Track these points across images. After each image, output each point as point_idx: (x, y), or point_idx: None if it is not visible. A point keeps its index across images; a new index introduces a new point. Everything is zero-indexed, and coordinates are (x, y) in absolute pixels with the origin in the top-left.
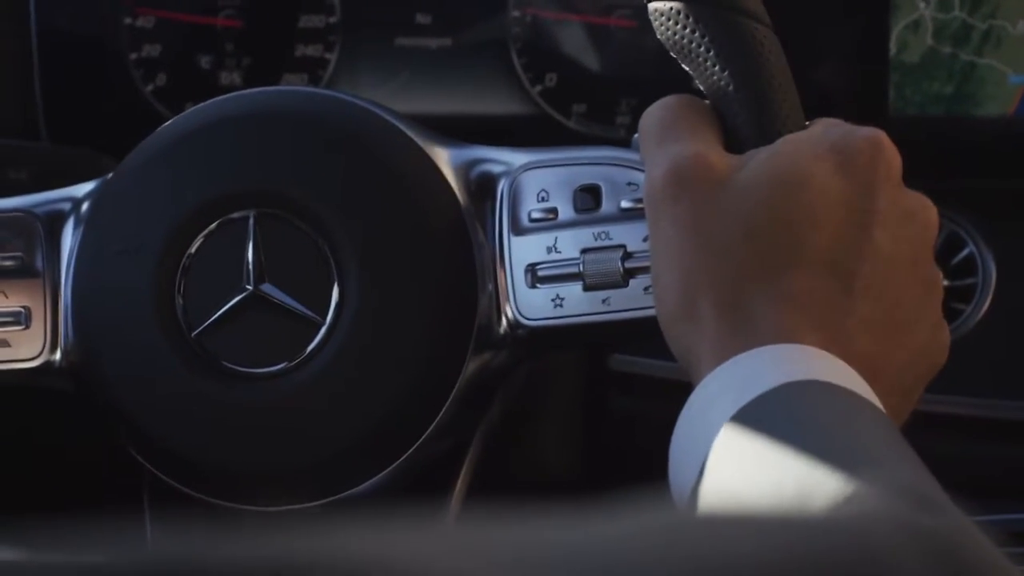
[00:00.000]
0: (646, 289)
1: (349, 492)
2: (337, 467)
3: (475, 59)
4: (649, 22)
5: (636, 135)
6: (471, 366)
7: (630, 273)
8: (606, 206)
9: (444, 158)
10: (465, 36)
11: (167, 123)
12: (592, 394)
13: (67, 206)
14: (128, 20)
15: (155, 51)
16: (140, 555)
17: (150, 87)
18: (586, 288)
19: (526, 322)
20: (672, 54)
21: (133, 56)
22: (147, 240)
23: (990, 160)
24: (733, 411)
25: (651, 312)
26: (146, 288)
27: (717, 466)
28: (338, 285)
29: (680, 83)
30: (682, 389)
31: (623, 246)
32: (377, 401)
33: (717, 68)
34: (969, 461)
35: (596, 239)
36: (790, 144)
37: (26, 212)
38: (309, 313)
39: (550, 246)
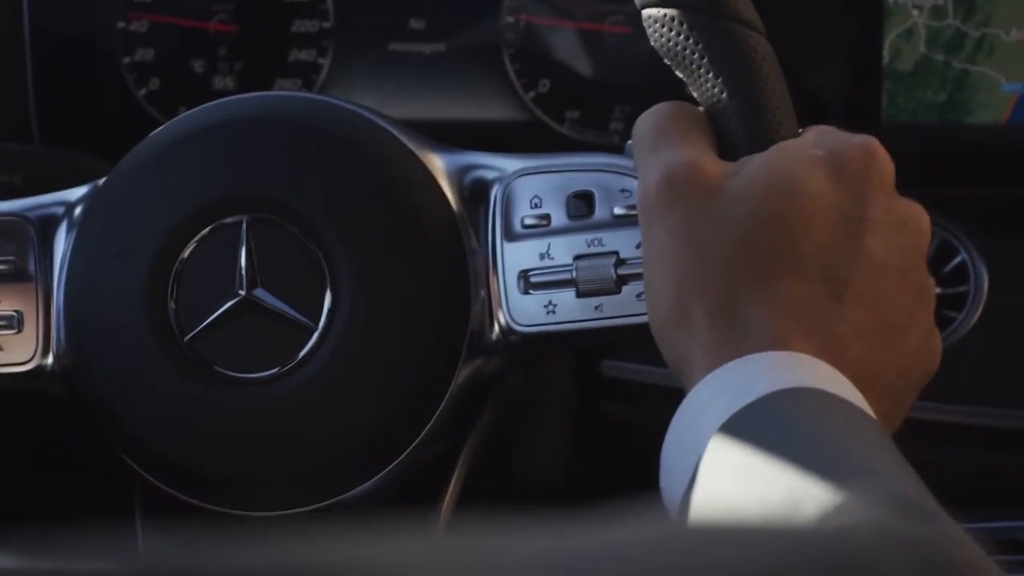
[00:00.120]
0: (639, 296)
1: (341, 497)
2: (329, 472)
3: (468, 65)
4: (643, 28)
5: (629, 142)
6: (463, 372)
7: (623, 280)
8: (599, 212)
9: (437, 164)
10: (458, 42)
11: (160, 128)
12: (584, 400)
13: (60, 210)
14: (121, 24)
15: (148, 55)
16: (131, 563)
17: (143, 91)
18: (579, 295)
19: (519, 328)
20: (666, 61)
21: (126, 60)
22: (140, 244)
23: (983, 168)
24: (725, 418)
25: (644, 319)
26: (138, 292)
27: (708, 474)
28: (330, 291)
29: (674, 89)
30: (674, 395)
31: (616, 253)
32: (369, 406)
33: (711, 75)
34: (960, 469)
35: (589, 245)
36: (783, 151)
37: (19, 216)
38: (301, 318)
39: (543, 252)
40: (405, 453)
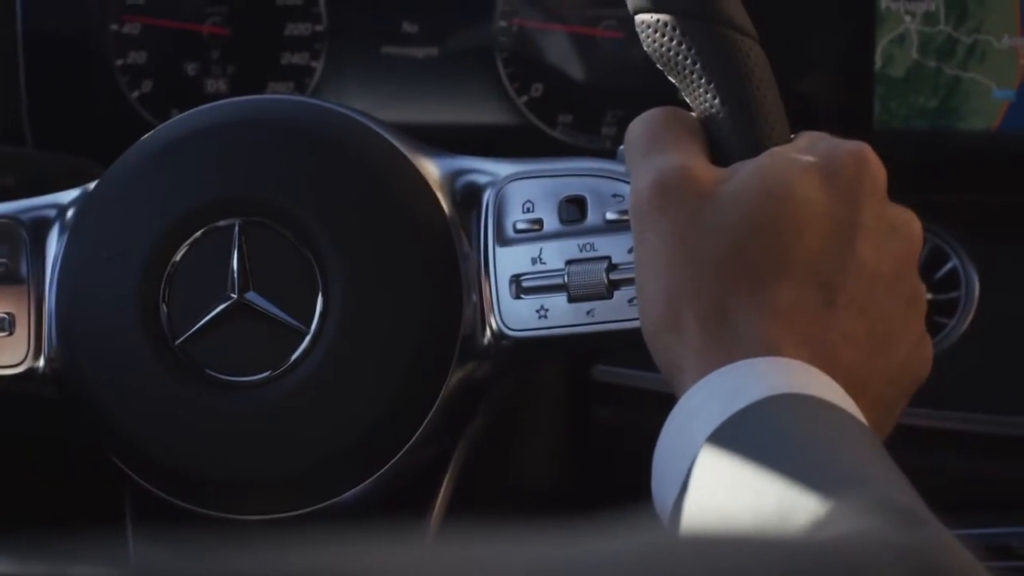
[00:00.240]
0: (631, 301)
1: (332, 501)
2: (321, 476)
3: (461, 69)
4: (635, 33)
5: (622, 147)
6: (455, 376)
7: (615, 285)
8: (591, 217)
9: (430, 168)
10: (451, 45)
11: (152, 131)
12: (576, 404)
13: (52, 213)
14: (114, 27)
15: (141, 58)
16: (122, 569)
17: (136, 94)
18: (571, 299)
19: (510, 333)
20: (658, 66)
21: (119, 63)
22: (132, 247)
23: (974, 174)
24: (716, 424)
25: (635, 324)
26: (130, 295)
27: (699, 480)
28: (322, 294)
29: (666, 95)
30: (666, 400)
31: (608, 257)
32: (361, 410)
33: (703, 80)
34: (952, 475)
35: (581, 250)
36: (775, 157)
37: (11, 218)
38: (293, 322)
39: (535, 257)
40: (397, 457)
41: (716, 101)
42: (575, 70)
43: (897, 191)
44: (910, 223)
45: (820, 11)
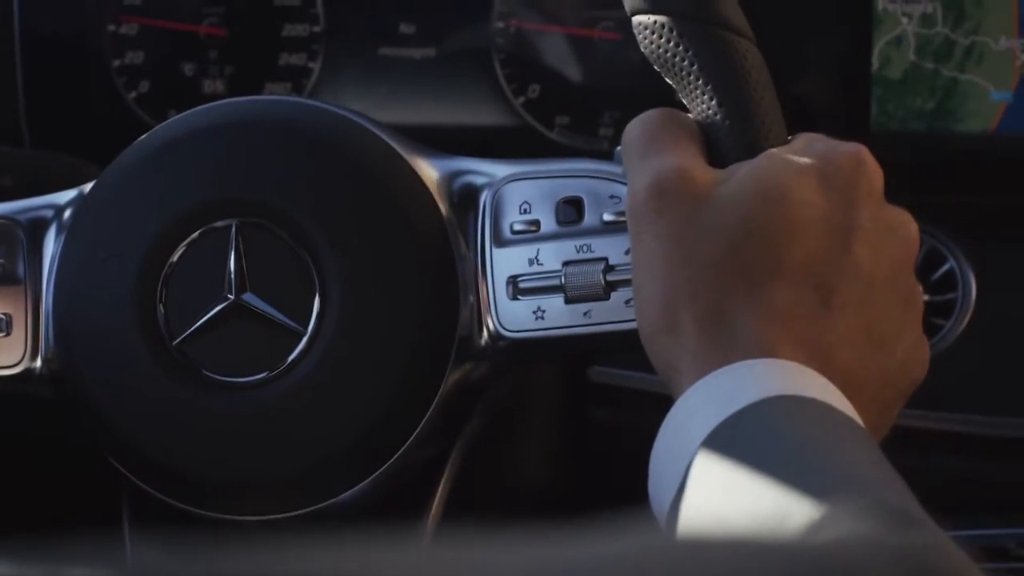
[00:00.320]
0: (628, 302)
1: (329, 502)
2: (317, 477)
3: (458, 70)
4: (633, 35)
5: (619, 148)
6: (452, 377)
7: (612, 286)
8: (588, 219)
9: (427, 169)
10: (448, 46)
11: (149, 132)
12: (573, 406)
13: (49, 213)
14: (111, 27)
15: (138, 58)
16: (119, 570)
17: (133, 94)
18: (568, 300)
19: (507, 334)
20: (655, 67)
21: (116, 63)
22: (129, 248)
23: (971, 176)
24: (713, 426)
25: (632, 325)
26: (127, 296)
27: (696, 482)
28: (319, 295)
29: (663, 96)
30: (662, 401)
31: (605, 259)
32: (358, 411)
33: (700, 82)
34: (948, 476)
35: (578, 252)
36: (772, 158)
37: (8, 219)
38: (290, 323)
39: (532, 258)
40: (394, 458)
41: (713, 103)
42: (572, 71)
43: (894, 193)
44: (907, 225)
45: (817, 13)
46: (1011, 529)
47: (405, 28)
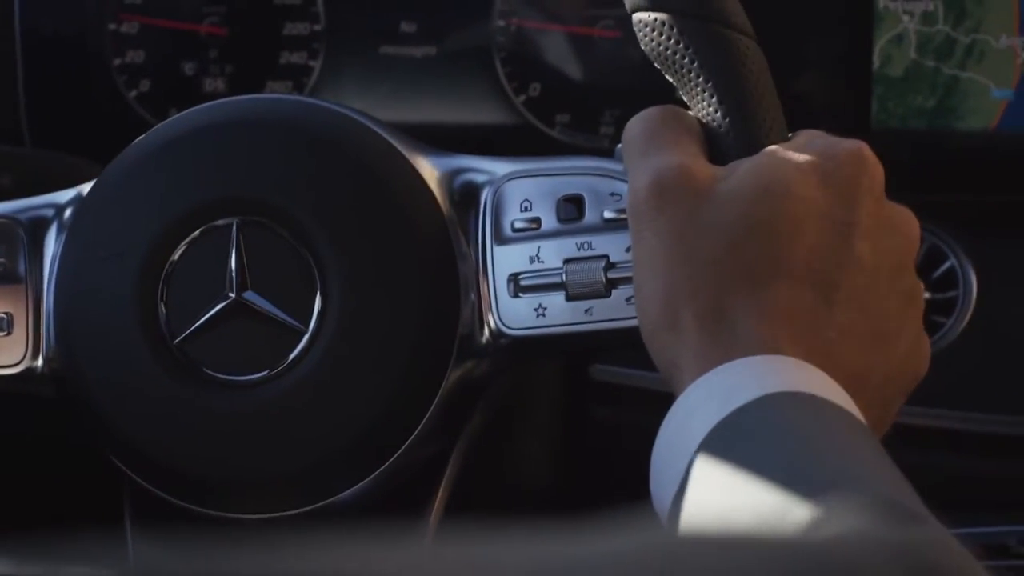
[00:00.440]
0: (628, 300)
1: (331, 500)
2: (319, 475)
3: (459, 68)
4: (633, 33)
5: (619, 145)
6: (453, 375)
7: (613, 283)
8: (589, 216)
9: (427, 167)
10: (449, 45)
11: (150, 130)
12: (574, 404)
13: (50, 212)
14: (112, 26)
15: (139, 57)
16: (121, 568)
17: (134, 93)
18: (569, 298)
19: (508, 331)
20: (656, 65)
21: (117, 62)
22: (130, 247)
23: (972, 174)
24: (714, 423)
25: (633, 322)
26: (128, 295)
27: (697, 479)
28: (320, 293)
29: (664, 94)
30: (664, 399)
31: (606, 256)
32: (359, 409)
33: (701, 79)
34: (949, 474)
35: (579, 249)
36: (773, 155)
37: (8, 218)
38: (291, 321)
39: (533, 256)
40: (395, 456)
41: (714, 100)
42: (573, 70)
43: (895, 191)
44: (908, 221)
45: (818, 11)
46: (1011, 526)
47: (406, 27)
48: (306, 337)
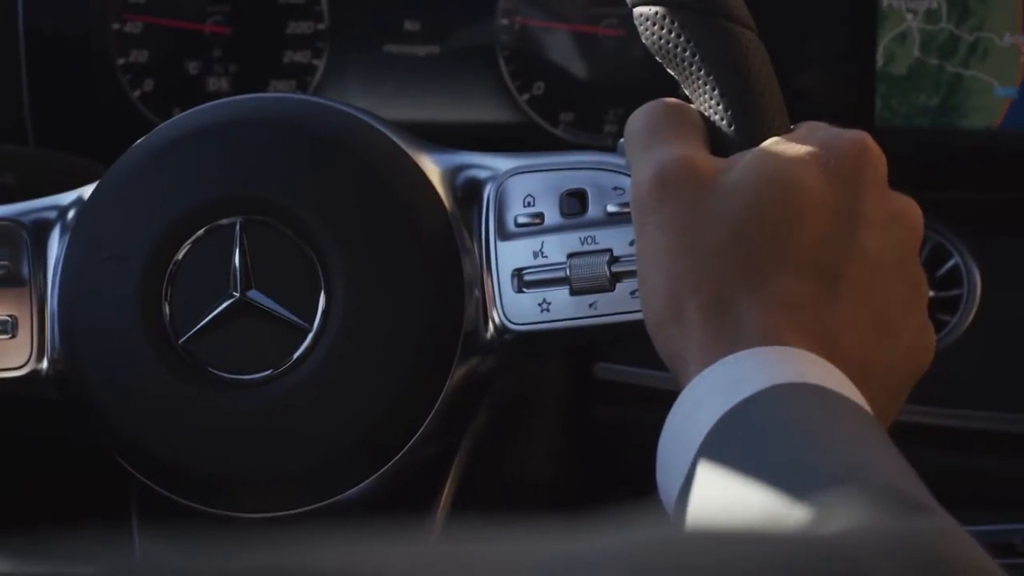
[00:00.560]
0: (633, 293)
1: (336, 499)
2: (324, 473)
3: (463, 67)
4: (637, 31)
5: (622, 140)
6: (458, 372)
7: (617, 277)
8: (592, 210)
9: (430, 164)
10: (453, 44)
11: (153, 131)
12: (578, 403)
13: (53, 214)
14: (116, 25)
15: (143, 56)
16: (128, 566)
17: (137, 92)
18: (573, 292)
19: (513, 327)
20: (657, 59)
21: (120, 61)
22: (133, 247)
23: (976, 172)
24: (719, 414)
25: (638, 316)
26: (132, 295)
27: (703, 470)
28: (324, 292)
29: (668, 92)
30: (668, 398)
31: (609, 250)
32: (364, 407)
33: (702, 72)
34: (954, 472)
35: (582, 243)
36: (775, 146)
37: (11, 221)
38: (296, 319)
39: (536, 251)
40: (400, 454)
41: (716, 93)
42: (577, 68)
43: (898, 188)
44: (911, 211)
45: (822, 9)
46: (1017, 524)
47: (410, 25)
48: (310, 336)
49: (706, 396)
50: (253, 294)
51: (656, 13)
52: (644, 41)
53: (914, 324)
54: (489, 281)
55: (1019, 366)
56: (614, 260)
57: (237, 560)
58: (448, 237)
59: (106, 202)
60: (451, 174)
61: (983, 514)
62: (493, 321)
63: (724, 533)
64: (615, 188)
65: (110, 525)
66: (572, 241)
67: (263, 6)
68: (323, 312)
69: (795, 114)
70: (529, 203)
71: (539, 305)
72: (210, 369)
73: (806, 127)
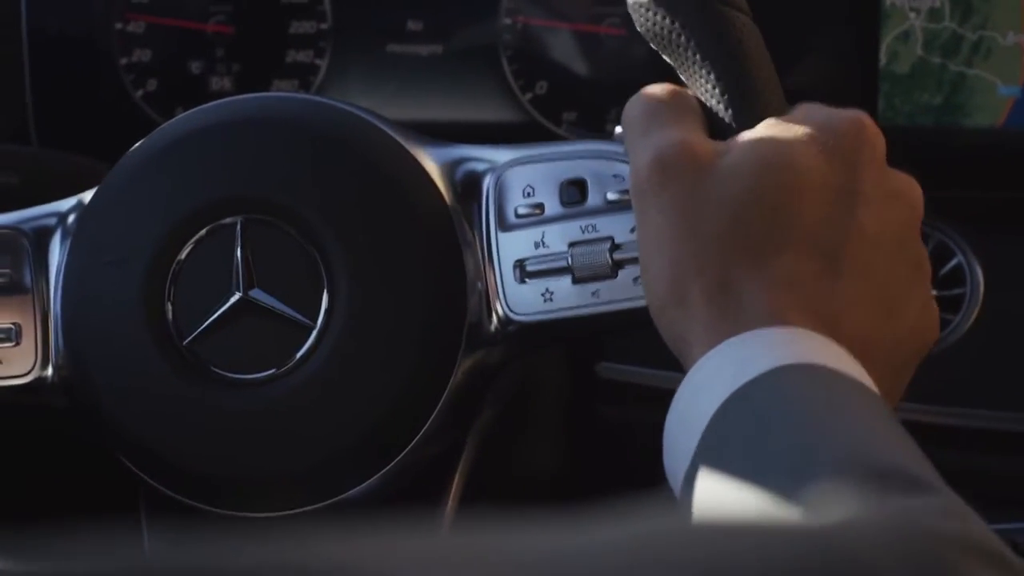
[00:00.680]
0: (635, 280)
1: (343, 496)
2: (331, 471)
3: (466, 66)
4: (639, 31)
5: (619, 128)
6: (463, 365)
7: (619, 264)
8: (592, 199)
9: (429, 158)
10: (456, 43)
11: (153, 132)
12: (580, 403)
13: (53, 221)
14: (119, 25)
15: (146, 56)
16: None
17: (140, 92)
18: (575, 281)
19: (516, 318)
20: (653, 46)
21: (124, 61)
22: (136, 248)
23: (979, 171)
24: (725, 396)
25: (641, 302)
26: (136, 297)
27: (709, 452)
28: (327, 289)
29: None
30: (670, 397)
31: (611, 238)
32: (369, 404)
33: (698, 57)
34: (957, 471)
35: (583, 232)
36: (773, 128)
37: (12, 229)
38: (299, 317)
39: (538, 241)
40: (407, 450)
41: (711, 77)
42: (579, 67)
43: None
44: (911, 189)
45: (825, 8)
46: (1019, 524)
47: (412, 25)
48: (314, 334)
49: (711, 378)
50: (256, 293)
51: (650, 0)
52: (639, 29)
53: (917, 301)
54: (491, 273)
55: (1022, 365)
56: (615, 247)
57: (247, 558)
58: (449, 231)
59: (107, 206)
60: (450, 168)
61: (985, 513)
62: (496, 313)
63: (724, 526)
64: (614, 176)
65: (119, 524)
66: (573, 230)
67: (266, 6)
68: (326, 310)
69: None
70: (529, 194)
71: (542, 295)
72: (214, 369)
73: (803, 109)
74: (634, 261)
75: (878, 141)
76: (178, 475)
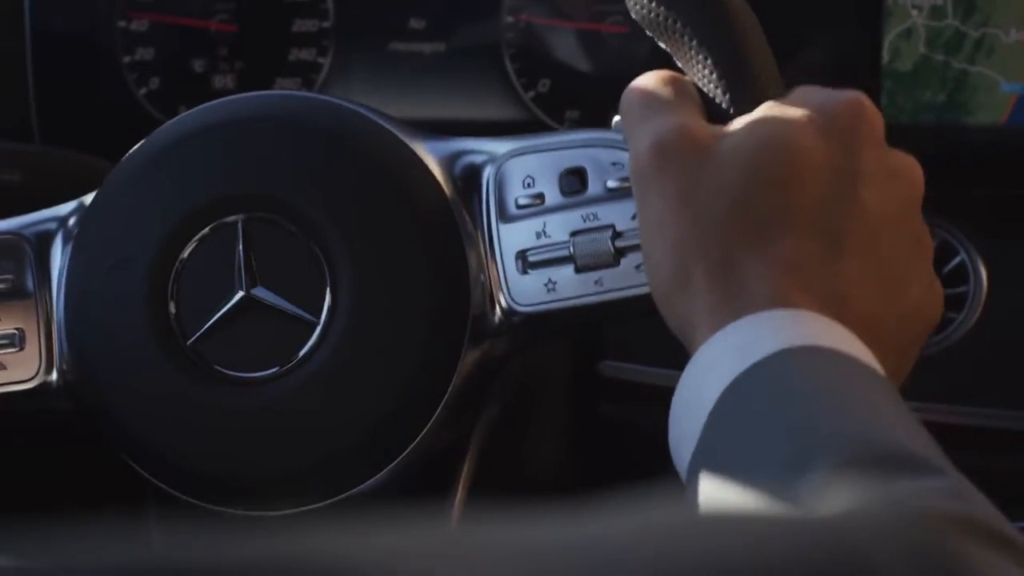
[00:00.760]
0: (638, 267)
1: (349, 493)
2: (337, 468)
3: (468, 65)
4: (641, 29)
5: (617, 117)
6: (468, 359)
7: (621, 252)
8: (592, 187)
9: (428, 152)
10: (458, 41)
11: (154, 132)
12: (582, 401)
13: (54, 225)
14: (122, 23)
15: (148, 54)
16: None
17: (143, 90)
18: (578, 270)
19: (520, 308)
20: (648, 32)
21: (126, 59)
22: (139, 247)
23: (982, 168)
24: (730, 379)
25: (644, 290)
26: (138, 298)
27: (715, 436)
28: (330, 286)
29: None
30: (672, 395)
31: (612, 226)
32: (374, 400)
33: (693, 42)
34: (961, 470)
35: (585, 221)
36: (771, 109)
37: (14, 234)
38: (303, 315)
39: (539, 231)
40: (412, 445)
41: (708, 62)
42: (582, 65)
43: None
44: (911, 168)
45: (827, 6)
46: (1022, 523)
47: (415, 23)
48: (317, 331)
49: (716, 361)
50: (259, 291)
51: None
52: (634, 16)
53: (920, 279)
54: (494, 265)
55: None
56: (617, 235)
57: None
58: (451, 225)
59: (108, 207)
60: (449, 161)
61: None
62: (500, 304)
63: (724, 517)
64: (614, 163)
65: (126, 521)
66: (574, 219)
67: (269, 4)
68: (329, 307)
69: None
70: (529, 184)
71: (545, 285)
72: (218, 368)
73: (801, 91)
74: (636, 248)
75: (876, 120)
76: (184, 475)
